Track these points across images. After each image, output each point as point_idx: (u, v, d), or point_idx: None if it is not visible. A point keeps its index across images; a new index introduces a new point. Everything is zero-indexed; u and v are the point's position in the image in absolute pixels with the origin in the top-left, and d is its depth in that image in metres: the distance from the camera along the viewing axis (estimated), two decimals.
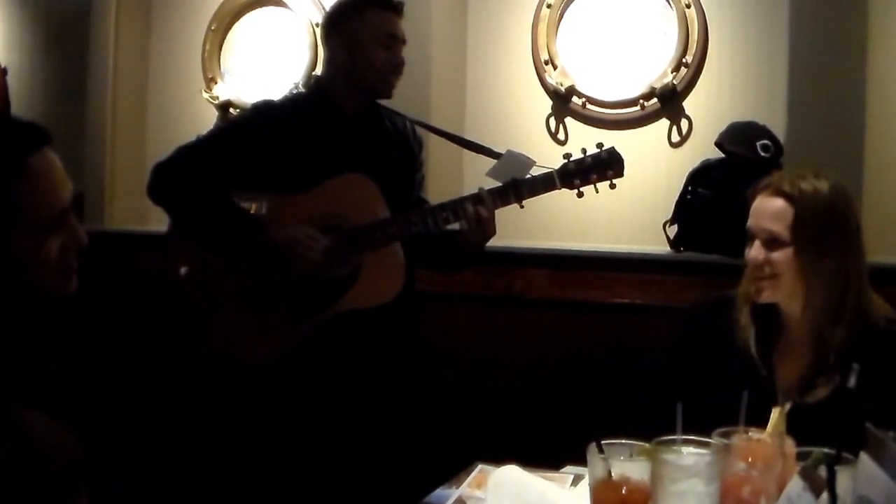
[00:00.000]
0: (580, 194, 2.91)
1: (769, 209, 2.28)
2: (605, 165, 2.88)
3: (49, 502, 1.23)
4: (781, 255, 2.25)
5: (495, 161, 2.96)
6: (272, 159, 2.86)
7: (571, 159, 2.88)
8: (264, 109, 2.99)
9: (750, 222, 2.32)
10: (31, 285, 1.78)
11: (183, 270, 2.92)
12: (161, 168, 2.90)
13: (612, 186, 2.91)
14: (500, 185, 2.88)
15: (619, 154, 2.90)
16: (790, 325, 2.31)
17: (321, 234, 2.80)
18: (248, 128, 2.96)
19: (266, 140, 2.87)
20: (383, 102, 3.06)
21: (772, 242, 2.26)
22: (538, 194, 2.89)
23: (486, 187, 2.89)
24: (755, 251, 2.29)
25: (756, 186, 2.33)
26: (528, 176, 2.88)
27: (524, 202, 2.89)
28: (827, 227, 2.23)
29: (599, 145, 2.89)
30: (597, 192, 2.90)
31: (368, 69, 2.90)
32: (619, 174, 2.89)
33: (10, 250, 1.72)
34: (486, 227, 2.87)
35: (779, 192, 2.27)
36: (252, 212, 2.82)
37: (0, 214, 1.70)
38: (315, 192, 2.85)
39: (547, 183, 2.88)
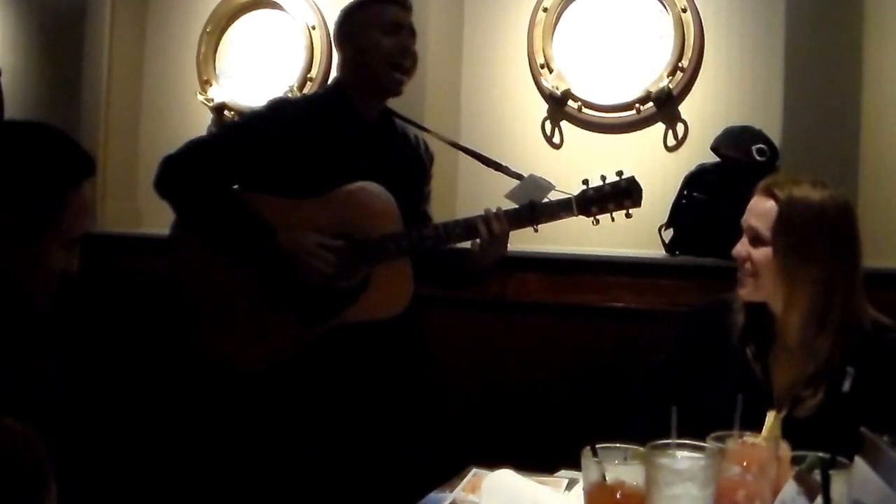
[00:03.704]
0: (596, 222, 2.87)
1: (758, 208, 2.31)
2: (624, 195, 2.83)
3: (13, 502, 1.22)
4: (761, 254, 2.28)
5: (505, 176, 2.94)
6: (285, 160, 2.81)
7: (590, 186, 2.83)
8: (280, 107, 2.94)
9: (743, 218, 2.35)
10: (28, 292, 1.86)
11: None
12: (170, 162, 2.84)
13: (629, 216, 2.86)
14: (517, 206, 2.85)
15: (638, 184, 2.84)
16: (782, 329, 2.31)
17: (332, 242, 2.78)
18: (262, 125, 2.89)
19: (280, 139, 2.82)
20: (399, 110, 3.04)
21: (755, 240, 2.30)
22: (554, 219, 2.86)
23: (500, 208, 2.86)
24: (738, 246, 2.34)
25: (757, 186, 2.35)
26: (546, 200, 2.85)
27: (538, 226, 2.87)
28: (811, 235, 2.24)
29: (619, 173, 2.84)
30: (613, 220, 2.86)
31: (374, 58, 2.85)
32: (637, 204, 2.85)
33: (28, 257, 1.83)
34: (499, 248, 2.85)
35: (770, 193, 2.29)
36: (262, 215, 2.78)
37: (34, 227, 1.83)
38: (328, 198, 2.81)
39: (565, 209, 2.84)
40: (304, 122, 2.87)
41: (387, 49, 2.85)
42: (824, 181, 2.33)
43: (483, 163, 3.14)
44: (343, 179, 2.82)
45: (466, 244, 2.91)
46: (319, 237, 2.76)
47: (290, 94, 4.22)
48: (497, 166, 3.07)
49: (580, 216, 2.86)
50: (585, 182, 2.85)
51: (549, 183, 2.89)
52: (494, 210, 2.83)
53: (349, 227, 2.80)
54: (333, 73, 4.06)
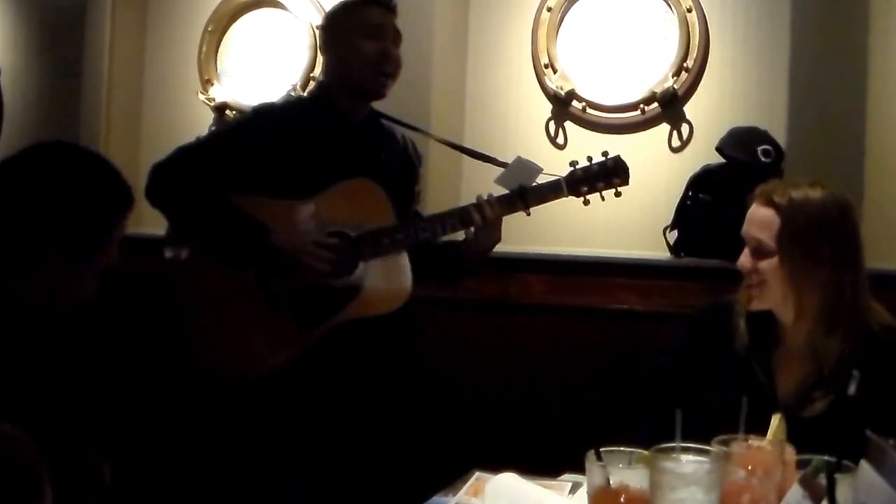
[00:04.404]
0: (586, 202, 2.90)
1: (758, 217, 2.28)
2: (612, 173, 2.87)
3: None
4: (767, 264, 2.25)
5: (501, 169, 2.94)
6: (274, 163, 2.81)
7: (578, 167, 2.87)
8: (266, 112, 2.96)
9: (743, 229, 2.32)
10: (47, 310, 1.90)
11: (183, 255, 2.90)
12: (159, 169, 2.84)
13: (618, 194, 2.90)
14: (508, 192, 2.86)
15: (624, 162, 2.89)
16: (786, 332, 2.29)
17: (327, 240, 2.77)
18: (250, 130, 2.91)
19: (268, 143, 2.83)
20: (385, 111, 3.03)
21: (759, 250, 2.26)
22: (545, 202, 2.87)
23: (492, 195, 2.86)
24: (742, 258, 2.30)
25: (754, 192, 2.32)
26: (535, 183, 2.87)
27: (531, 210, 2.87)
28: (816, 238, 2.22)
29: (605, 153, 2.88)
30: (602, 199, 2.89)
31: (356, 63, 2.86)
32: (625, 182, 2.89)
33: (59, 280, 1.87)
34: (493, 234, 2.86)
35: (769, 202, 2.26)
36: (255, 216, 2.77)
37: (78, 254, 1.86)
38: (321, 197, 2.81)
39: (555, 190, 2.86)
40: (290, 126, 2.88)
41: (369, 54, 2.85)
42: (820, 181, 2.31)
43: (466, 153, 3.17)
44: (332, 180, 2.82)
45: (459, 236, 2.93)
46: (314, 236, 2.76)
47: (292, 94, 4.21)
48: (482, 157, 3.08)
49: (570, 197, 2.88)
50: (573, 164, 2.87)
51: (538, 165, 2.90)
52: (487, 196, 2.84)
53: (344, 224, 2.80)
54: None
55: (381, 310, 2.80)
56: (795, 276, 2.22)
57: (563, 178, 2.87)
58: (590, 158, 2.87)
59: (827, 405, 2.20)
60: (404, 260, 2.84)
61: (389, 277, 2.82)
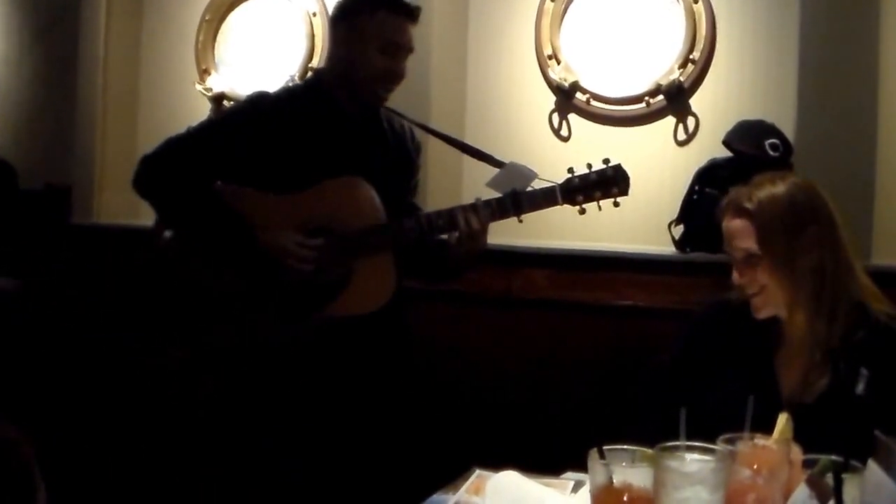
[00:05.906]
0: (582, 211, 2.83)
1: (734, 230, 2.29)
2: (611, 183, 2.79)
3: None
4: (761, 270, 2.26)
5: (497, 170, 2.88)
6: (265, 155, 2.79)
7: (576, 174, 2.80)
8: (258, 102, 2.92)
9: (725, 246, 2.33)
10: None
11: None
12: (148, 161, 2.84)
13: (616, 205, 2.82)
14: (499, 196, 2.81)
15: (625, 172, 2.80)
16: (789, 328, 2.30)
17: (311, 237, 2.75)
18: (241, 121, 2.88)
19: (259, 135, 2.80)
20: (403, 102, 3.00)
21: (748, 260, 2.27)
22: (538, 209, 2.81)
23: (484, 198, 2.81)
24: (735, 276, 2.31)
25: (720, 207, 2.33)
26: (529, 188, 2.80)
27: (523, 216, 2.81)
28: (794, 230, 2.24)
29: (606, 161, 2.81)
30: (599, 209, 2.82)
31: (362, 72, 2.81)
32: (624, 192, 2.80)
33: None
34: (477, 240, 2.79)
35: (738, 211, 2.27)
36: (242, 210, 2.76)
37: None
38: (310, 193, 2.79)
39: (548, 198, 2.79)
40: (284, 116, 2.85)
41: (379, 70, 2.81)
42: (781, 174, 2.34)
43: (461, 149, 3.12)
44: (325, 173, 2.79)
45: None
46: (298, 236, 2.74)
47: (290, 84, 4.18)
48: (479, 155, 3.01)
49: (565, 205, 2.81)
50: (570, 170, 2.81)
51: (532, 171, 2.83)
52: (476, 200, 2.79)
53: (331, 222, 2.78)
54: None
55: (362, 309, 2.77)
56: (785, 272, 2.24)
57: (559, 185, 2.80)
58: (589, 165, 2.80)
59: (825, 387, 2.20)
60: (389, 260, 2.81)
61: (373, 277, 2.79)
